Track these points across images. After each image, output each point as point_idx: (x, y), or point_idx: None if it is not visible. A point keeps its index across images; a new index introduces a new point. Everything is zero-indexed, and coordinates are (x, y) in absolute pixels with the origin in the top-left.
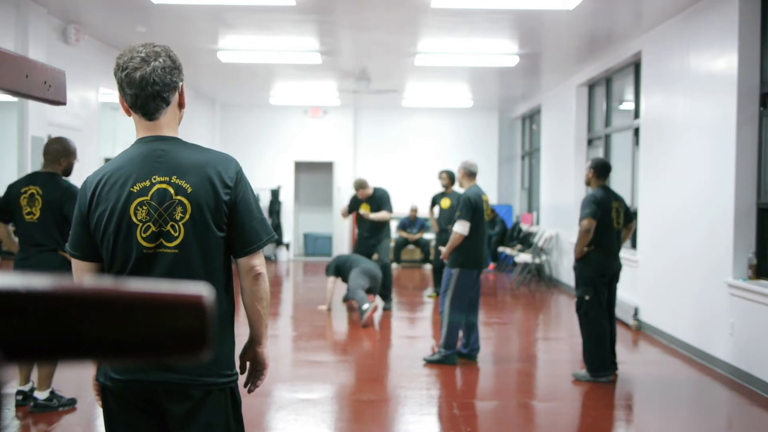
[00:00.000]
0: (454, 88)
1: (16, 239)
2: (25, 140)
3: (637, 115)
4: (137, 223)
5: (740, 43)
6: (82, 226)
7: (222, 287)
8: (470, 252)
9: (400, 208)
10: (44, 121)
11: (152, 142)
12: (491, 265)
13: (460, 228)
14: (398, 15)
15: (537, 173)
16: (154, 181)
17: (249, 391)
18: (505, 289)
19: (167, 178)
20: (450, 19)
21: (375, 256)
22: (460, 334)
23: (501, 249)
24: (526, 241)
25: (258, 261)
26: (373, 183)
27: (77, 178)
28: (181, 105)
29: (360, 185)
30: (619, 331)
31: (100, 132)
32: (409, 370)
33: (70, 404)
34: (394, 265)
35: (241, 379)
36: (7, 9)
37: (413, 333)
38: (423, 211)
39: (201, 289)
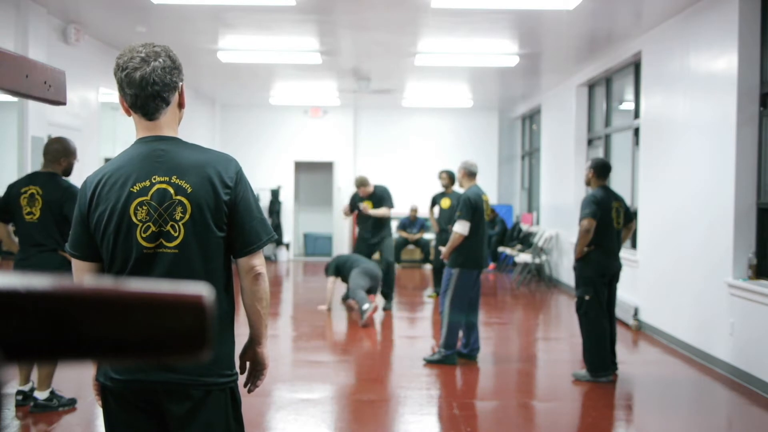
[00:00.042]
0: (454, 88)
1: (16, 239)
2: (25, 140)
3: (637, 115)
4: (137, 223)
5: (740, 43)
6: (82, 226)
7: (222, 287)
8: (470, 252)
9: (400, 208)
10: (44, 121)
11: (152, 142)
12: (491, 265)
13: (460, 228)
14: (398, 15)
15: (537, 173)
16: (154, 181)
17: (249, 391)
18: (505, 289)
19: (167, 178)
20: (450, 19)
21: (376, 256)
22: (460, 334)
23: (501, 249)
24: (526, 241)
25: (258, 261)
26: (374, 182)
27: (77, 178)
28: (181, 105)
29: (361, 182)
30: (619, 331)
31: (100, 132)
32: (409, 370)
33: (70, 404)
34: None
35: (241, 379)
36: (7, 9)
37: (413, 333)
38: (423, 211)
39: (201, 289)
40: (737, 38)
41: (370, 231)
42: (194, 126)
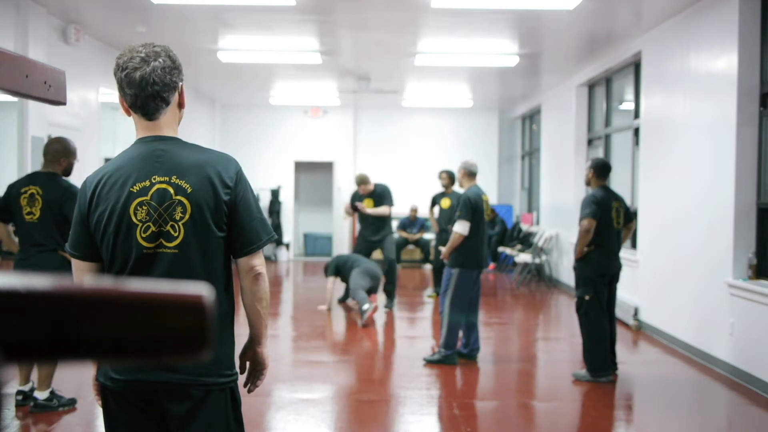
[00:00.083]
0: (454, 88)
1: (16, 239)
2: (25, 140)
3: (637, 115)
4: (137, 223)
5: (740, 43)
6: (81, 226)
7: (222, 287)
8: (470, 252)
9: (400, 208)
10: (44, 121)
11: (152, 142)
12: (491, 265)
13: (460, 228)
14: (398, 15)
15: (537, 173)
16: (153, 181)
17: (249, 391)
18: (505, 289)
19: (167, 178)
20: (450, 19)
21: (377, 253)
22: (460, 334)
23: (501, 249)
24: (526, 241)
25: (258, 261)
26: (375, 181)
27: (77, 178)
28: (181, 105)
29: (361, 180)
30: (619, 331)
31: (100, 132)
32: (409, 370)
33: (70, 404)
34: None
35: (241, 379)
36: (7, 9)
37: (413, 333)
38: (423, 211)
39: (201, 289)
40: (737, 38)
41: (372, 229)
42: (194, 126)
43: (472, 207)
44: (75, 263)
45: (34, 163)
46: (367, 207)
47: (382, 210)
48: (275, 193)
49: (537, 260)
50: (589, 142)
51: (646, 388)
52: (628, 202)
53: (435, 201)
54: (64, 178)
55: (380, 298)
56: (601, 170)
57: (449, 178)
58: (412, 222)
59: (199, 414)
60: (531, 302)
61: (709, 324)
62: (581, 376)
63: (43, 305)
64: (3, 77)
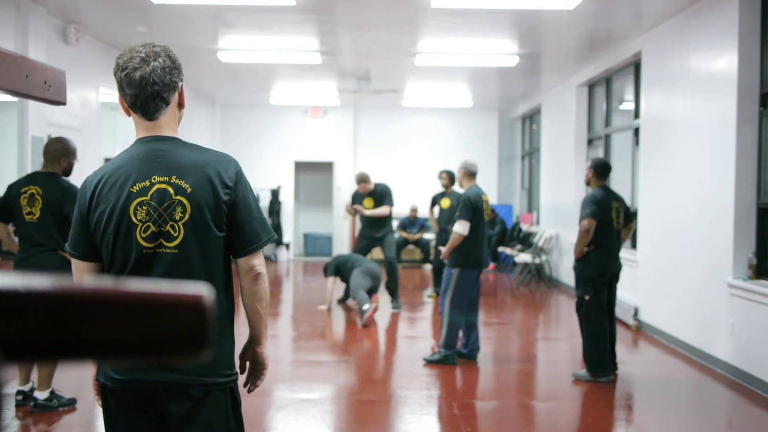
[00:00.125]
0: (454, 88)
1: (16, 239)
2: (25, 140)
3: (637, 115)
4: (137, 223)
5: (740, 43)
6: (81, 226)
7: (222, 287)
8: (470, 252)
9: (400, 208)
10: (44, 121)
11: (152, 142)
12: (491, 265)
13: (460, 228)
14: (398, 15)
15: (537, 173)
16: (153, 181)
17: (249, 391)
18: (505, 289)
19: (167, 178)
20: (450, 19)
21: (377, 251)
22: (460, 334)
23: (501, 249)
24: (526, 241)
25: (258, 261)
26: (375, 181)
27: (77, 178)
28: (180, 105)
29: (362, 179)
30: (619, 331)
31: (100, 132)
32: (409, 370)
33: (70, 404)
34: None
35: (241, 379)
36: (7, 9)
37: (413, 333)
38: (423, 211)
39: (201, 289)
40: (737, 38)
41: (373, 227)
42: (194, 126)
43: (472, 207)
44: (75, 263)
45: (34, 163)
46: (367, 206)
47: (381, 211)
48: (275, 193)
49: (537, 260)
50: (589, 142)
51: (646, 388)
52: (628, 202)
53: (435, 201)
54: (64, 178)
55: (383, 298)
56: (601, 170)
57: (449, 178)
58: (412, 222)
59: (199, 414)
60: (531, 302)
61: (709, 324)
62: (581, 376)
63: (43, 305)
64: (3, 77)
